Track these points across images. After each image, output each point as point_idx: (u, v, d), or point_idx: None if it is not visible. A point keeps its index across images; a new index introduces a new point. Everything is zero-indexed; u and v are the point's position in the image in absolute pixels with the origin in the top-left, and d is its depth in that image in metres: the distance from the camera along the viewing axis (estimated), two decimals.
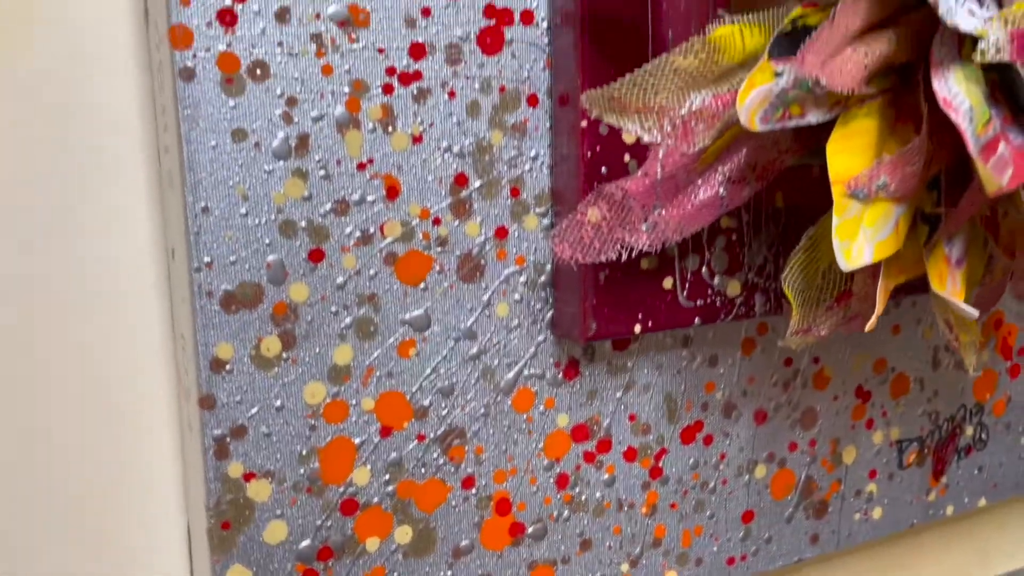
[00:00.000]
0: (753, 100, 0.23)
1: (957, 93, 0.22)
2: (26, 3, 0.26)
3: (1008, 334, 0.42)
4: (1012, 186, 0.22)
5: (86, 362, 0.28)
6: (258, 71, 0.25)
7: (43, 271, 0.27)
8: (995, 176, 0.21)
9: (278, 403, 0.27)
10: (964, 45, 0.23)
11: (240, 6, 0.25)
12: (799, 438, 0.37)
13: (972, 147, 0.22)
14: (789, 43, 0.24)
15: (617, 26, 0.29)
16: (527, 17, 0.29)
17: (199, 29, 0.24)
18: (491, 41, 0.28)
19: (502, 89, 0.29)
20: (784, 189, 0.32)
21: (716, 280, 0.32)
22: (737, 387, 0.35)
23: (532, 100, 0.29)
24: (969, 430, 0.42)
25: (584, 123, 0.28)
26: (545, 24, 0.29)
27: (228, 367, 0.26)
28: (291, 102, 0.26)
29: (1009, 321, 0.42)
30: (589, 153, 0.29)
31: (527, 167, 0.30)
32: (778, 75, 0.24)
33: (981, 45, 0.22)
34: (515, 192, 0.30)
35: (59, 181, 0.27)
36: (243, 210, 0.26)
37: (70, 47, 0.27)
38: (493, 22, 0.28)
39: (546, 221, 0.30)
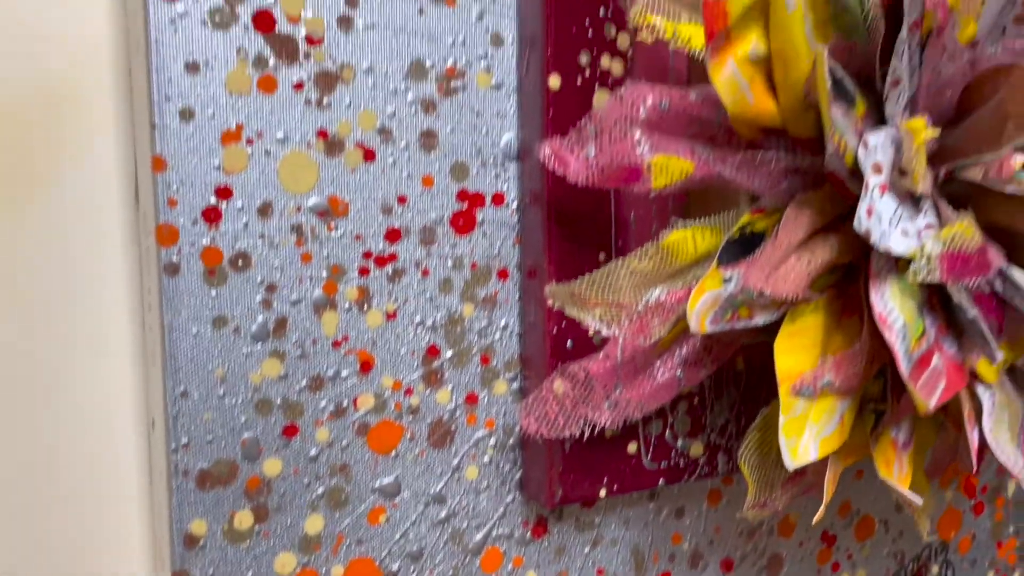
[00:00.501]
0: (703, 305, 0.25)
1: (892, 309, 0.24)
2: (23, 175, 0.28)
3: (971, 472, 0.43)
4: (944, 400, 0.23)
5: (66, 525, 0.29)
6: (240, 262, 0.27)
7: (26, 434, 0.28)
8: (925, 398, 0.23)
9: (249, 574, 0.28)
10: (901, 258, 0.25)
11: (224, 203, 0.26)
12: None
13: (903, 368, 0.23)
14: (738, 249, 0.26)
15: (582, 206, 0.30)
16: (498, 199, 0.31)
17: (184, 227, 0.26)
18: (464, 222, 0.30)
19: (473, 266, 0.30)
20: (744, 353, 0.34)
21: (679, 442, 0.33)
22: (704, 537, 0.36)
23: (502, 274, 0.31)
24: (935, 568, 0.43)
25: (549, 295, 0.30)
26: (515, 204, 0.31)
27: (201, 543, 0.27)
28: (271, 289, 0.27)
29: None
30: (555, 329, 0.30)
31: (497, 336, 0.31)
32: (726, 281, 0.25)
33: (913, 266, 0.23)
34: (485, 360, 0.31)
35: (47, 341, 0.28)
36: (220, 391, 0.27)
37: (63, 216, 0.28)
38: (465, 205, 0.30)
39: (515, 385, 0.32)
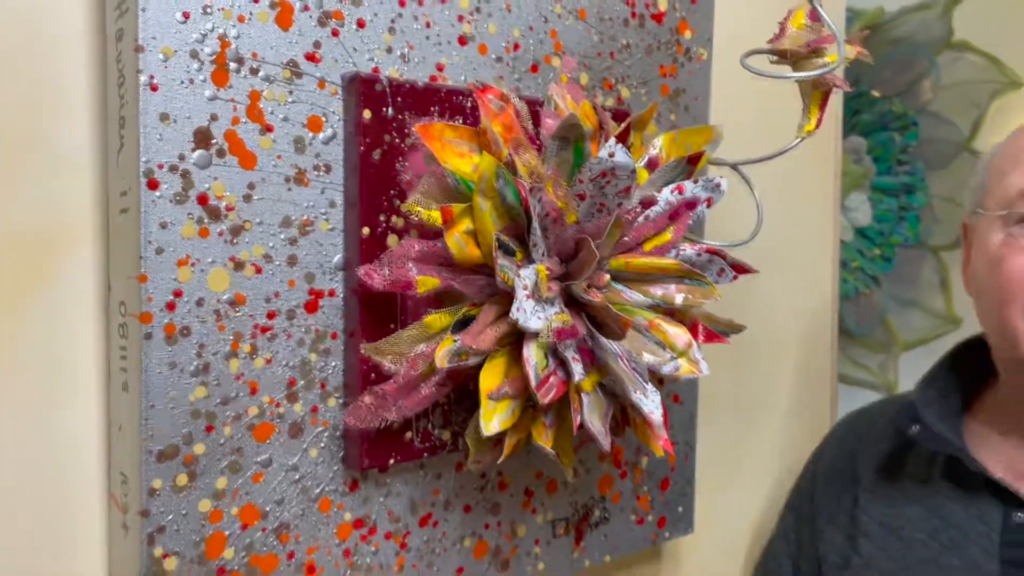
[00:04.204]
0: (444, 354, 0.49)
1: (531, 356, 0.49)
2: (16, 288, 0.46)
3: (618, 452, 0.71)
4: (554, 400, 0.49)
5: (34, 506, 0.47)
6: (184, 332, 0.47)
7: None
8: (542, 398, 0.48)
9: (184, 512, 0.48)
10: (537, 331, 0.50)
11: (177, 299, 0.47)
12: (491, 520, 0.63)
13: (532, 383, 0.48)
14: (462, 324, 0.50)
15: (380, 298, 0.54)
16: (332, 293, 0.53)
17: (155, 313, 0.46)
18: (311, 307, 0.52)
19: (317, 331, 0.53)
20: (474, 377, 0.58)
21: (436, 432, 0.57)
22: (452, 491, 0.60)
23: (333, 335, 0.53)
24: (597, 512, 0.70)
25: (363, 349, 0.53)
26: (342, 296, 0.54)
27: (158, 492, 0.47)
28: (201, 346, 0.48)
29: (620, 444, 0.70)
30: (364, 367, 0.53)
31: (330, 372, 0.53)
32: (455, 341, 0.49)
33: (541, 335, 0.49)
34: (323, 386, 0.53)
35: (43, 381, 0.47)
36: (172, 405, 0.47)
37: (60, 312, 0.47)
38: (313, 297, 0.52)
39: (341, 401, 0.54)
